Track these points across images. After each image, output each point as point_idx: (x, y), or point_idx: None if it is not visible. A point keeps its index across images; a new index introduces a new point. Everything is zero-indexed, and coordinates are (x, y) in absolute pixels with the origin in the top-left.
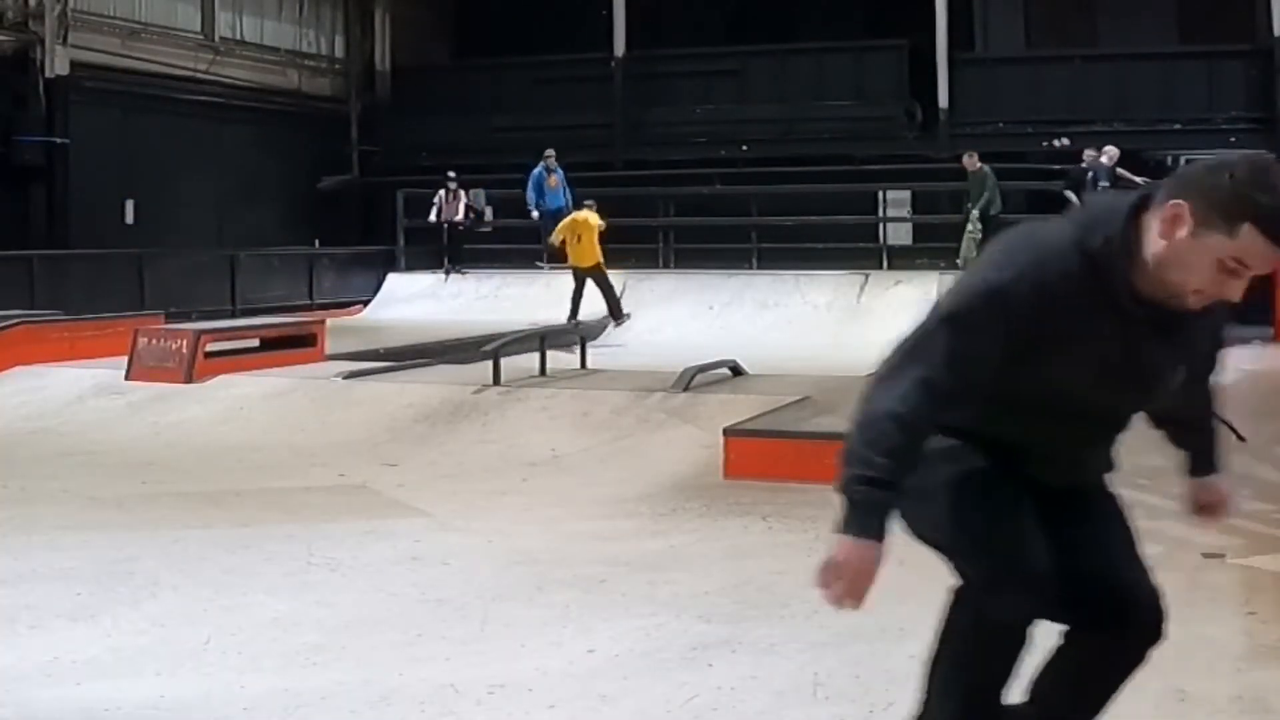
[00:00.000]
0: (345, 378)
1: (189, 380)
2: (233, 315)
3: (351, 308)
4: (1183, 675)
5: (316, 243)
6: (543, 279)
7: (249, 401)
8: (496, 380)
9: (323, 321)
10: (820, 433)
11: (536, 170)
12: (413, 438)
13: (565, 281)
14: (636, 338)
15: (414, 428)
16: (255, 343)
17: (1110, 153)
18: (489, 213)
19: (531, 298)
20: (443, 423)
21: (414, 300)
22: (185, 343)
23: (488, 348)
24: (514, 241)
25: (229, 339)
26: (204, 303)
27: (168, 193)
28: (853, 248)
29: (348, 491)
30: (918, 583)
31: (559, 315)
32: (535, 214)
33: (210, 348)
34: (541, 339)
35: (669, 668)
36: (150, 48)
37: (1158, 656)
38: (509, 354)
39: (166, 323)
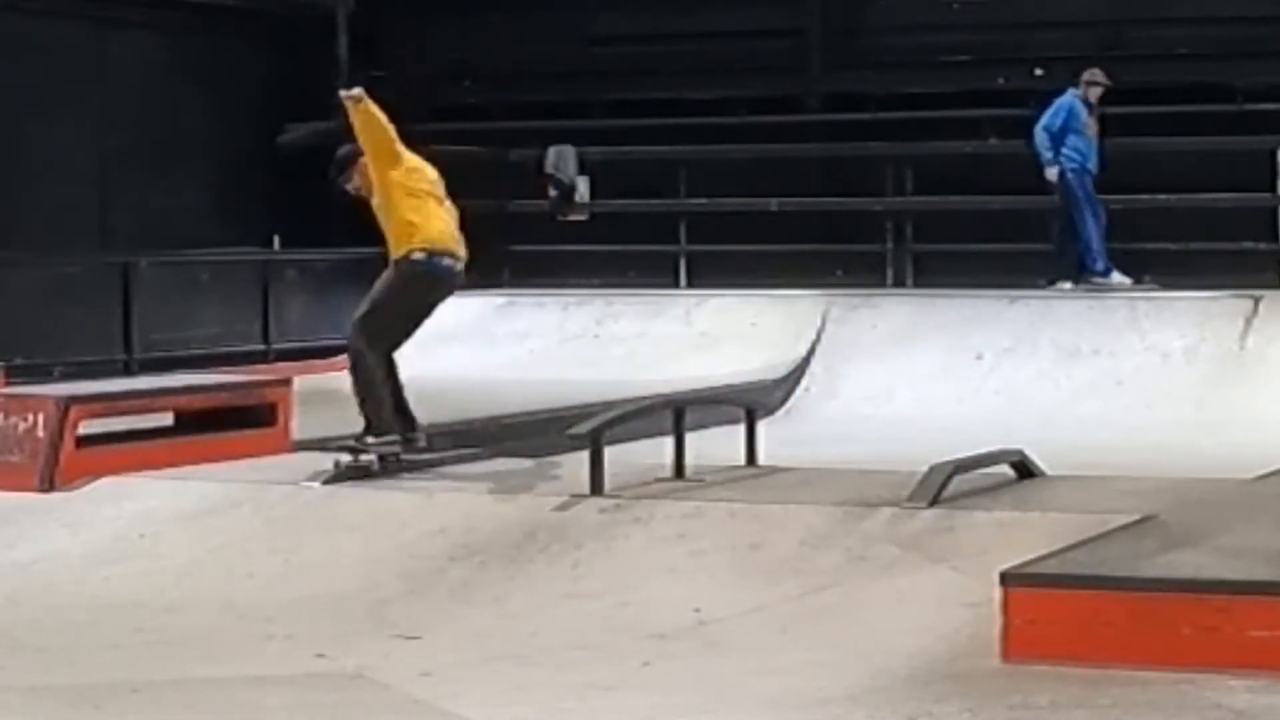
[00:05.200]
0: (327, 482)
1: (49, 486)
2: (127, 371)
3: (339, 357)
4: None
5: (276, 241)
6: (679, 306)
7: (155, 524)
8: (597, 487)
9: (287, 381)
10: (1175, 581)
11: (1067, 98)
12: (447, 589)
13: (727, 310)
14: (846, 410)
15: (450, 571)
16: (168, 420)
17: None
18: (583, 187)
19: (660, 339)
20: (501, 562)
21: (451, 342)
22: (42, 419)
23: (581, 428)
24: (627, 237)
25: (120, 413)
26: (75, 348)
27: (6, 153)
28: (1231, 250)
29: (332, 685)
30: None
31: (708, 367)
32: (1053, 174)
33: (87, 428)
34: (677, 413)
35: None
36: None
37: None
38: (619, 440)
39: (8, 384)
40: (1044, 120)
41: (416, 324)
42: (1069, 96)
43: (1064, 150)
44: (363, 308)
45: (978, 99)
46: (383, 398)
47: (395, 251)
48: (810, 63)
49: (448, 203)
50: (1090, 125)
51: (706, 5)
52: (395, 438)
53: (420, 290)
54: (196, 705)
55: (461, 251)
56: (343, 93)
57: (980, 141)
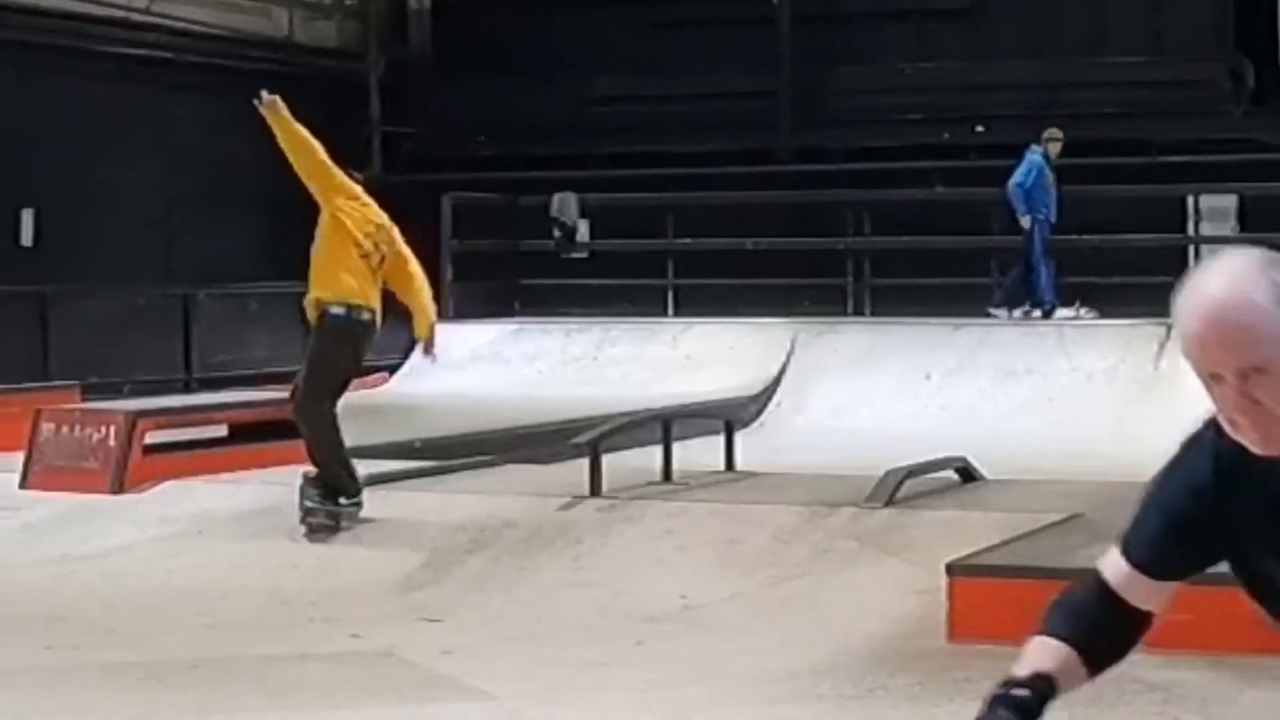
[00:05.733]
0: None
1: (119, 489)
2: (187, 389)
3: (371, 376)
4: None
5: None
6: (667, 332)
7: (212, 522)
8: (596, 489)
9: None
10: None
11: (1034, 156)
12: (465, 578)
13: (709, 336)
14: (813, 423)
15: (467, 562)
16: (222, 431)
17: None
18: (583, 229)
19: (651, 361)
20: (512, 554)
21: (468, 365)
22: (113, 430)
23: (582, 439)
24: (622, 272)
25: (181, 425)
26: (142, 369)
27: (85, 198)
28: (1148, 283)
29: (365, 662)
30: None
31: (693, 385)
32: (1026, 222)
33: (152, 438)
34: (666, 425)
35: None
36: None
37: None
38: (615, 448)
39: (84, 400)
40: (1016, 178)
41: (349, 374)
42: (1035, 155)
43: (1033, 203)
44: (304, 381)
45: (927, 152)
46: (346, 459)
47: (314, 289)
48: (781, 121)
49: (374, 257)
50: (1050, 178)
51: (691, 71)
52: (359, 500)
53: (346, 345)
54: (247, 679)
55: (374, 304)
56: (262, 96)
57: (929, 189)
